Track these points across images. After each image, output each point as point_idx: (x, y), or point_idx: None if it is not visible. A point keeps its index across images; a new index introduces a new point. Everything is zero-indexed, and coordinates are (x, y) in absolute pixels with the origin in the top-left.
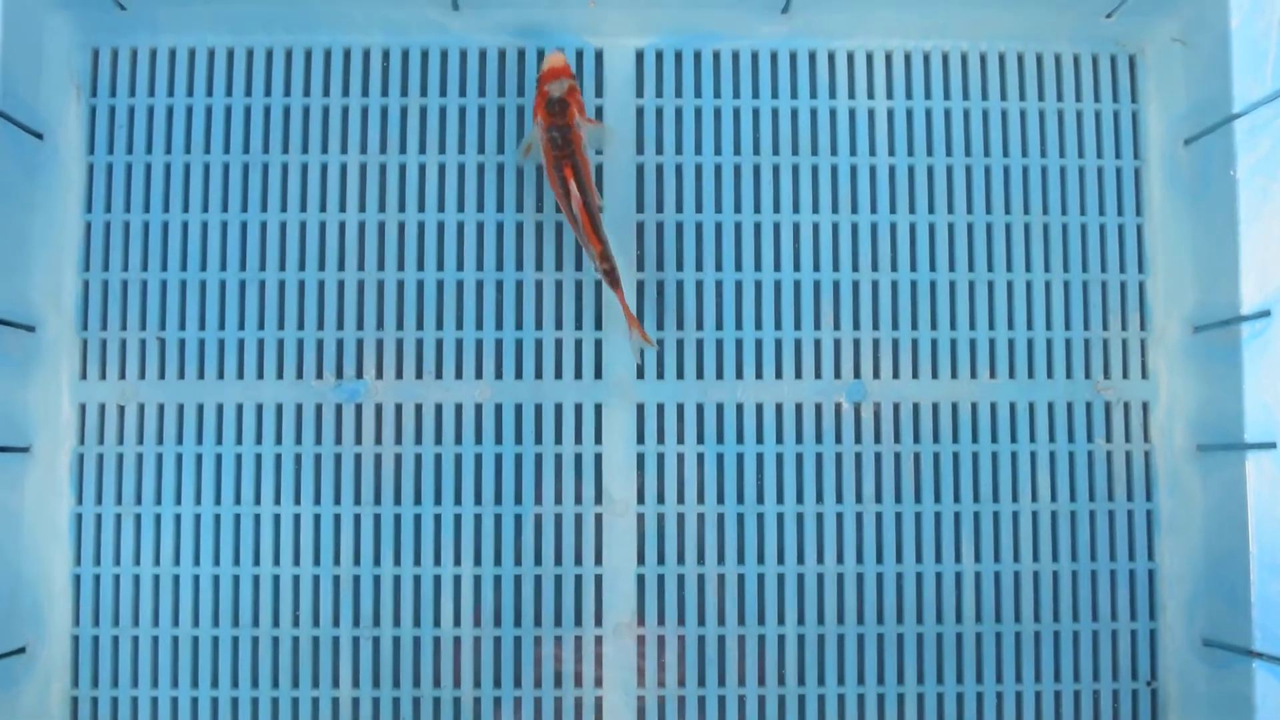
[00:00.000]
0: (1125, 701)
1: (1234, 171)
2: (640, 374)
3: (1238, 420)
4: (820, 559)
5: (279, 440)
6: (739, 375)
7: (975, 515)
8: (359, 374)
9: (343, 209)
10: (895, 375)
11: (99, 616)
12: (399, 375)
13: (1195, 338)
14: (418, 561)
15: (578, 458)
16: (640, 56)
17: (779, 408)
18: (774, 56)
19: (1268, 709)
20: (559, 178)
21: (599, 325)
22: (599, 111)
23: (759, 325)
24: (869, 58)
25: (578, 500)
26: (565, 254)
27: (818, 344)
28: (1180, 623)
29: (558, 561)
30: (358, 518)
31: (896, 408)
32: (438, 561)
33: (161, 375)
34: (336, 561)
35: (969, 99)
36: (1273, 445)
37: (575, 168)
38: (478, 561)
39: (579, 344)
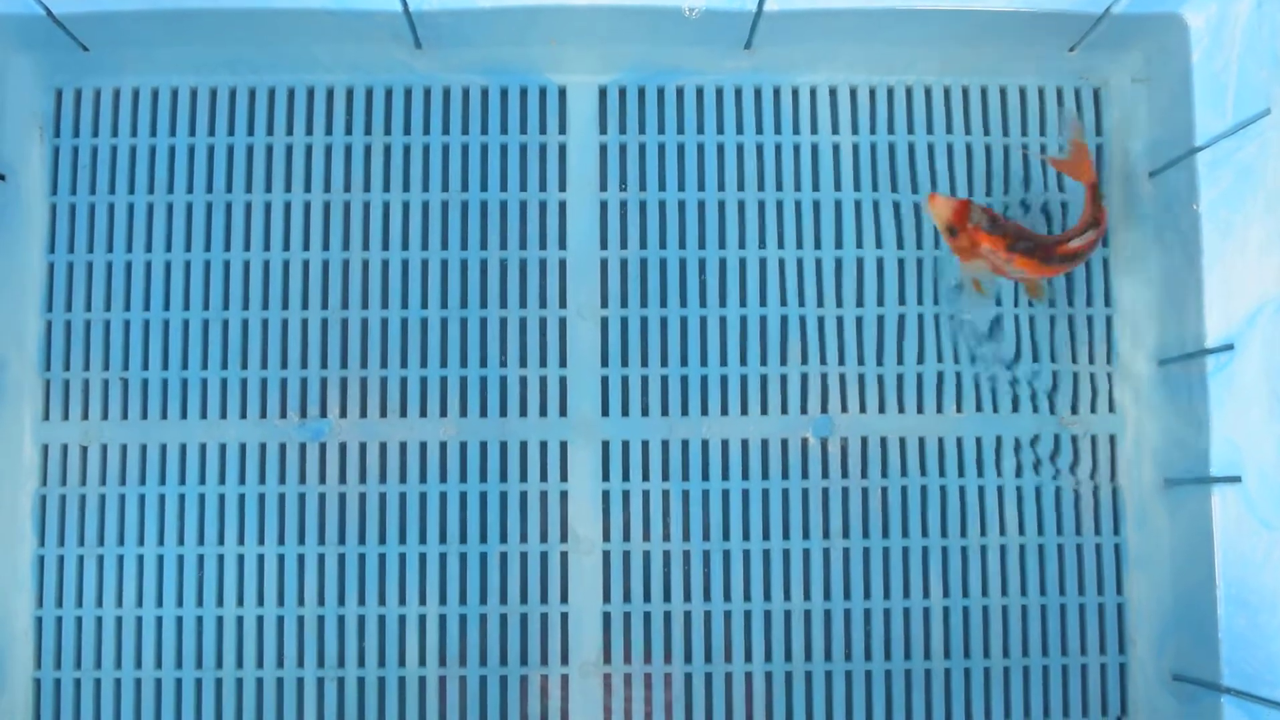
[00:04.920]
0: None
1: (1197, 205)
2: (605, 411)
3: (1204, 454)
4: (788, 595)
5: (243, 480)
6: (705, 411)
7: (944, 550)
8: (323, 413)
9: (306, 247)
10: (862, 410)
11: (61, 659)
12: (363, 414)
13: (1161, 371)
14: (382, 601)
15: (543, 495)
16: (603, 93)
17: (745, 443)
18: (738, 92)
19: None
20: (1059, 260)
21: (563, 362)
22: (563, 149)
23: (724, 361)
24: (833, 93)
25: (543, 538)
26: (529, 291)
27: (784, 379)
28: (1150, 657)
29: (523, 600)
30: (322, 558)
31: (864, 442)
32: (402, 601)
33: (125, 416)
34: (301, 602)
35: (933, 133)
36: (1238, 479)
37: (1059, 242)
38: (443, 601)
39: (543, 381)
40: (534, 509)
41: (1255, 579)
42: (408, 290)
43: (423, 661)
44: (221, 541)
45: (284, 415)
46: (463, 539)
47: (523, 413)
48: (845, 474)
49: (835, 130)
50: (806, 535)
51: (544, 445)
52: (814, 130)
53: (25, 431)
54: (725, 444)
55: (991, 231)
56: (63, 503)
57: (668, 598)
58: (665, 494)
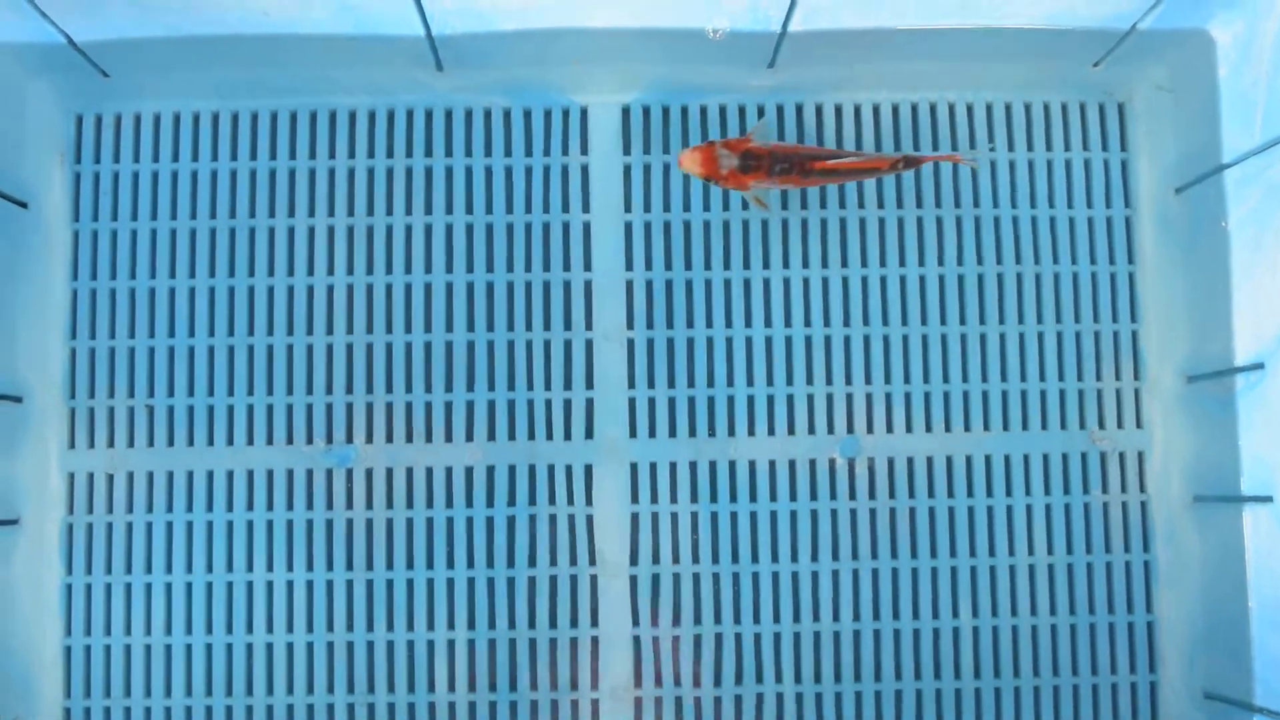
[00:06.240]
0: None
1: (1225, 222)
2: (633, 433)
3: (1234, 472)
4: (817, 616)
5: (270, 507)
6: (731, 432)
7: (972, 569)
8: (349, 439)
9: (330, 272)
10: (889, 429)
11: (90, 688)
12: (389, 439)
13: (1190, 388)
14: (411, 627)
15: (570, 519)
16: (626, 113)
17: (772, 464)
18: (761, 111)
19: None
20: (819, 174)
21: (589, 384)
22: (585, 170)
23: (750, 382)
24: (857, 110)
25: (571, 562)
26: (553, 313)
27: (810, 399)
28: (1180, 675)
29: (552, 624)
30: (350, 584)
31: (891, 462)
32: (431, 627)
33: (150, 443)
34: (329, 628)
35: (958, 150)
36: (1269, 499)
37: (816, 157)
38: (471, 626)
39: (568, 404)
40: (562, 533)
41: None
42: (431, 314)
43: (452, 687)
44: (250, 568)
45: (310, 441)
46: (490, 564)
47: (549, 436)
48: (873, 494)
49: (859, 148)
50: (836, 556)
51: (570, 469)
52: (838, 148)
53: (51, 460)
54: (753, 465)
55: (747, 170)
56: (90, 531)
57: (698, 620)
58: (693, 516)
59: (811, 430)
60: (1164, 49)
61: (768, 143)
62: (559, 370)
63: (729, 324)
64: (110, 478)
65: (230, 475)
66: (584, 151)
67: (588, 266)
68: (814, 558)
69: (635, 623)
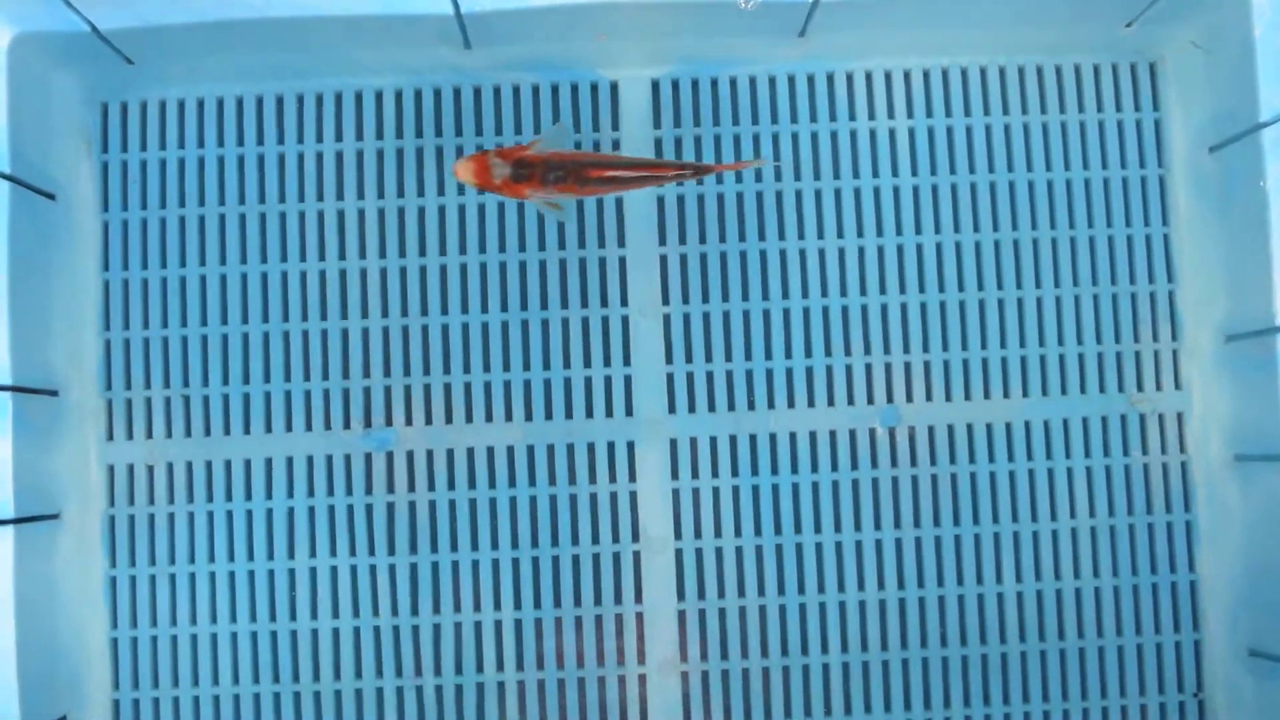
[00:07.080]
0: (1173, 714)
1: (1263, 182)
2: (672, 408)
3: (1275, 431)
4: (861, 586)
5: (311, 493)
6: (770, 405)
7: (1014, 535)
8: (388, 422)
9: (363, 255)
10: (928, 398)
11: (139, 680)
12: (428, 421)
13: (1228, 347)
14: (457, 608)
15: (613, 496)
16: (656, 86)
17: (812, 436)
18: (791, 80)
19: None
20: (596, 183)
21: (627, 361)
22: (615, 144)
23: (788, 354)
24: (888, 77)
25: (615, 539)
26: (590, 291)
27: (848, 370)
28: (1224, 633)
29: (597, 602)
30: (393, 567)
31: (931, 430)
32: (477, 608)
33: (188, 433)
34: (376, 612)
35: (989, 114)
36: None
37: (594, 165)
38: (518, 606)
39: (609, 381)
40: (604, 510)
41: None
42: (467, 294)
43: (500, 667)
44: (293, 555)
45: (348, 426)
46: (534, 543)
47: (589, 414)
48: (914, 463)
49: (891, 115)
50: (878, 526)
51: (611, 446)
52: (871, 116)
53: (90, 453)
54: (793, 437)
55: (520, 179)
56: (131, 523)
57: (742, 593)
58: (735, 490)
59: (851, 401)
60: (1197, 8)
61: (544, 151)
62: (597, 347)
63: (765, 296)
64: (150, 469)
65: (269, 463)
66: (614, 126)
67: (621, 242)
68: (856, 528)
69: (680, 597)
